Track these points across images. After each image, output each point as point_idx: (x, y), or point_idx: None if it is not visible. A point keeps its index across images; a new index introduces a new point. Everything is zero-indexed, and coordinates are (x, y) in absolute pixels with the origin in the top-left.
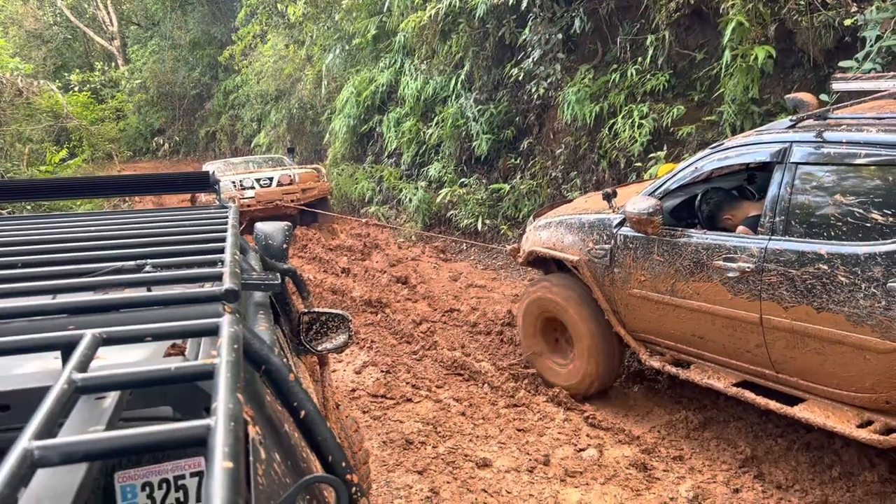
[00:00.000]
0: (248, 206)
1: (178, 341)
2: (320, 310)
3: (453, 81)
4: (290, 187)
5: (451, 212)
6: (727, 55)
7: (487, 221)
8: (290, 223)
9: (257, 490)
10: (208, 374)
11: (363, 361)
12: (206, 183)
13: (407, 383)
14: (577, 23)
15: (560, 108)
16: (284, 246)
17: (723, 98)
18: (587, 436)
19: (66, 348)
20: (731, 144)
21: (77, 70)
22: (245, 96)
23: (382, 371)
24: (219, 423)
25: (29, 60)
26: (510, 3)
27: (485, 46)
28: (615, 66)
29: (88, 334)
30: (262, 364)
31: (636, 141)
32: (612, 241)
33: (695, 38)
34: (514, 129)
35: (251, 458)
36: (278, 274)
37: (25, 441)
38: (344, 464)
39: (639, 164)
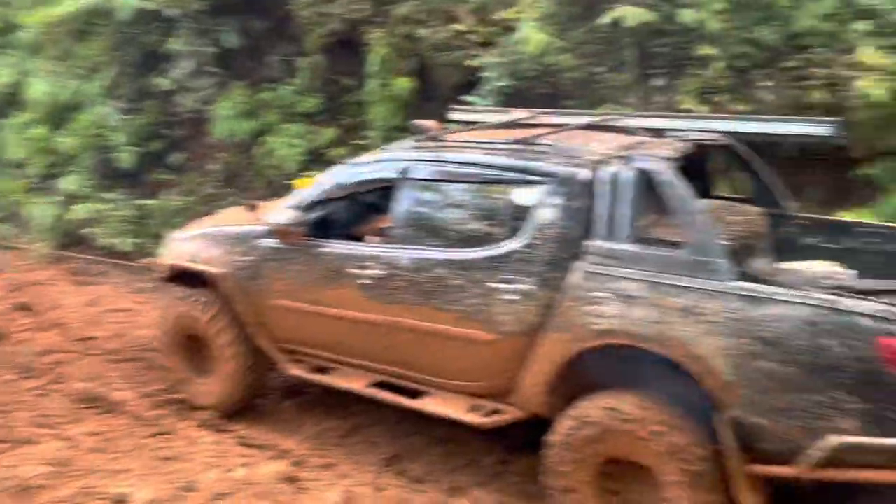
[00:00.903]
0: None
1: None
2: None
3: (92, 87)
4: None
5: (90, 230)
6: (372, 84)
7: (133, 240)
8: None
9: None
10: None
11: None
12: None
13: (28, 423)
14: (230, 38)
15: (213, 123)
16: None
17: (370, 123)
18: (238, 455)
19: None
20: (362, 161)
21: None
22: None
23: None
24: None
25: None
26: (157, 9)
27: (129, 52)
28: (270, 85)
29: None
30: None
31: (291, 160)
32: (256, 253)
33: (345, 65)
34: (163, 141)
35: None
36: None
37: None
38: None
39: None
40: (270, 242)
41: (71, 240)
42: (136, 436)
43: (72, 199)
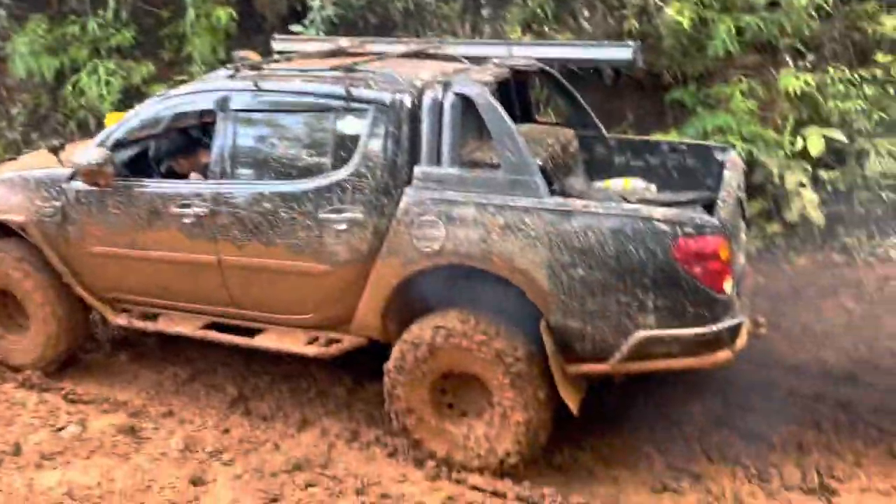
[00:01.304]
0: None
1: None
2: None
3: None
4: None
5: None
6: (191, 14)
7: None
8: None
9: None
10: None
11: None
12: None
13: None
14: None
15: (11, 62)
16: None
17: (192, 57)
18: (67, 413)
19: None
20: (176, 93)
21: None
22: None
23: None
24: None
25: None
26: None
27: None
28: (74, 17)
29: None
30: None
31: (105, 99)
32: (64, 198)
33: None
34: None
35: None
36: None
37: None
38: None
39: None
40: (78, 185)
41: None
42: None
43: None
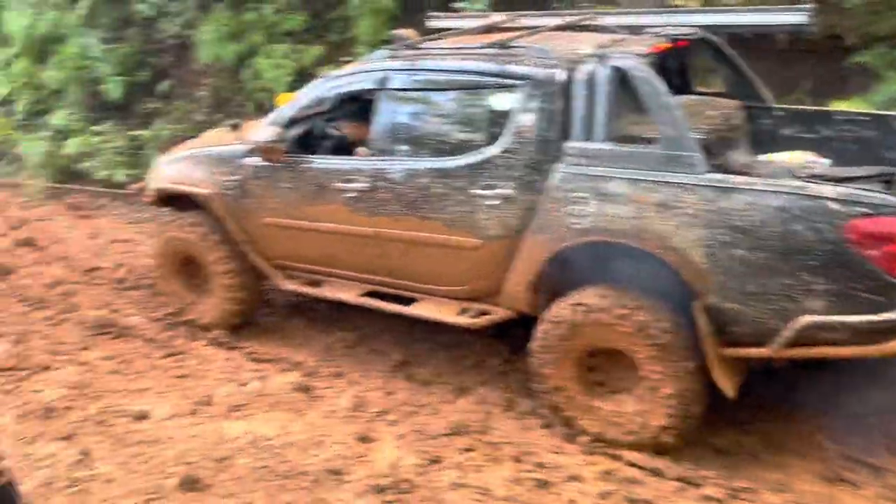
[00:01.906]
0: None
1: None
2: None
3: (71, 17)
4: None
5: (85, 164)
6: None
7: (128, 171)
8: None
9: None
10: None
11: None
12: None
13: (43, 351)
14: None
15: (198, 48)
16: None
17: (357, 39)
18: (250, 370)
19: None
20: (340, 73)
21: None
22: None
23: (11, 342)
24: None
25: None
26: None
27: None
28: (252, 4)
29: None
30: None
31: (279, 81)
32: (241, 172)
33: None
34: (149, 70)
35: None
36: None
37: None
38: None
39: None
40: (254, 161)
41: (66, 175)
42: (150, 357)
43: (63, 133)
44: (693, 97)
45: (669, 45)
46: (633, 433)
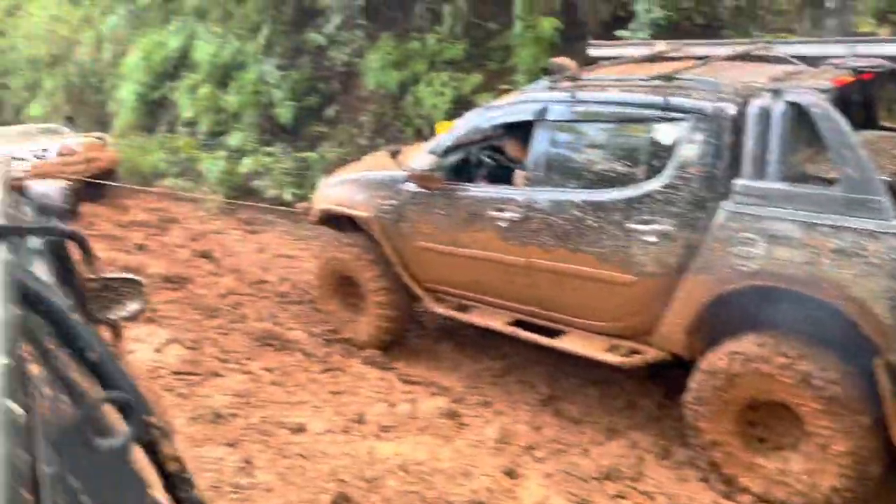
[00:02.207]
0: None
1: None
2: (109, 275)
3: (251, 46)
4: (72, 158)
5: (256, 182)
6: (518, 26)
7: (295, 191)
8: (69, 184)
9: (45, 426)
10: None
11: (164, 339)
12: None
13: (214, 358)
14: None
15: (364, 76)
16: (65, 206)
17: (516, 67)
18: (401, 392)
19: None
20: (499, 104)
21: None
22: (11, 62)
23: (186, 348)
24: None
25: None
26: None
27: (282, 10)
28: (415, 34)
29: None
30: (39, 303)
31: (439, 108)
32: (399, 197)
33: (489, 10)
34: (318, 96)
35: (34, 395)
36: (57, 226)
37: None
38: (141, 403)
39: None
40: (411, 187)
41: (240, 192)
42: (309, 371)
43: (238, 153)
44: (880, 133)
45: (852, 78)
46: (802, 494)
